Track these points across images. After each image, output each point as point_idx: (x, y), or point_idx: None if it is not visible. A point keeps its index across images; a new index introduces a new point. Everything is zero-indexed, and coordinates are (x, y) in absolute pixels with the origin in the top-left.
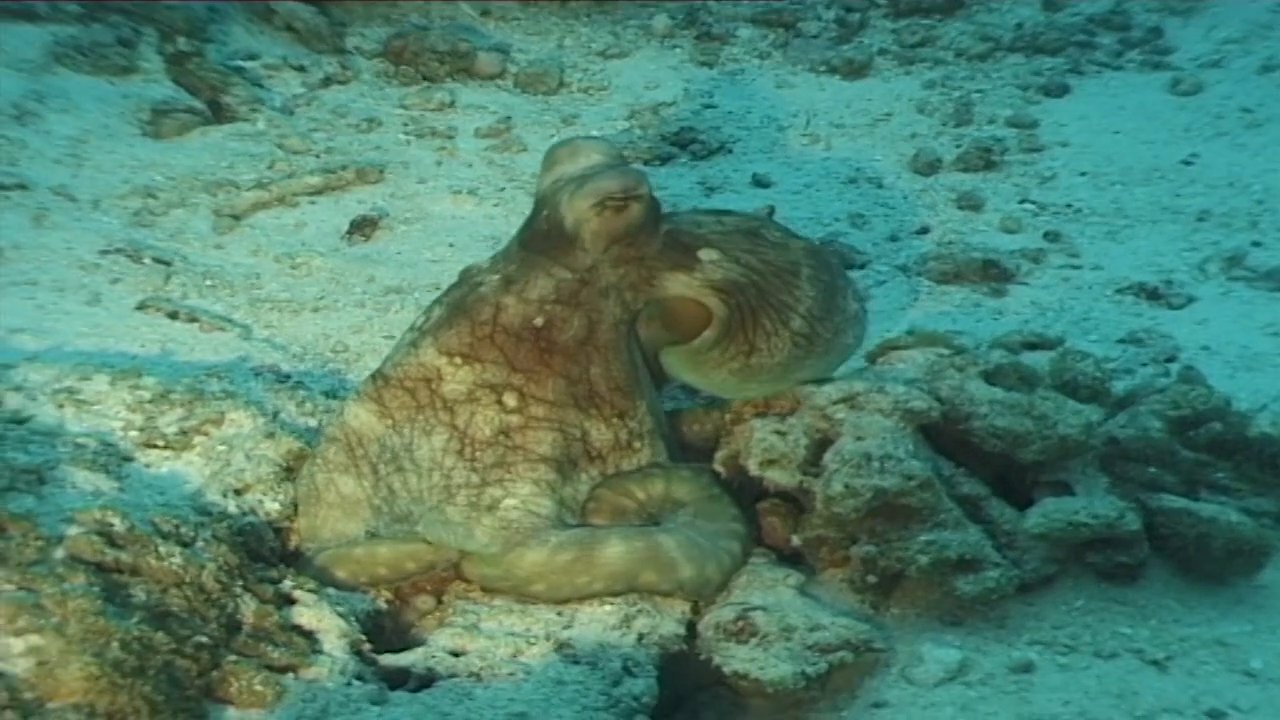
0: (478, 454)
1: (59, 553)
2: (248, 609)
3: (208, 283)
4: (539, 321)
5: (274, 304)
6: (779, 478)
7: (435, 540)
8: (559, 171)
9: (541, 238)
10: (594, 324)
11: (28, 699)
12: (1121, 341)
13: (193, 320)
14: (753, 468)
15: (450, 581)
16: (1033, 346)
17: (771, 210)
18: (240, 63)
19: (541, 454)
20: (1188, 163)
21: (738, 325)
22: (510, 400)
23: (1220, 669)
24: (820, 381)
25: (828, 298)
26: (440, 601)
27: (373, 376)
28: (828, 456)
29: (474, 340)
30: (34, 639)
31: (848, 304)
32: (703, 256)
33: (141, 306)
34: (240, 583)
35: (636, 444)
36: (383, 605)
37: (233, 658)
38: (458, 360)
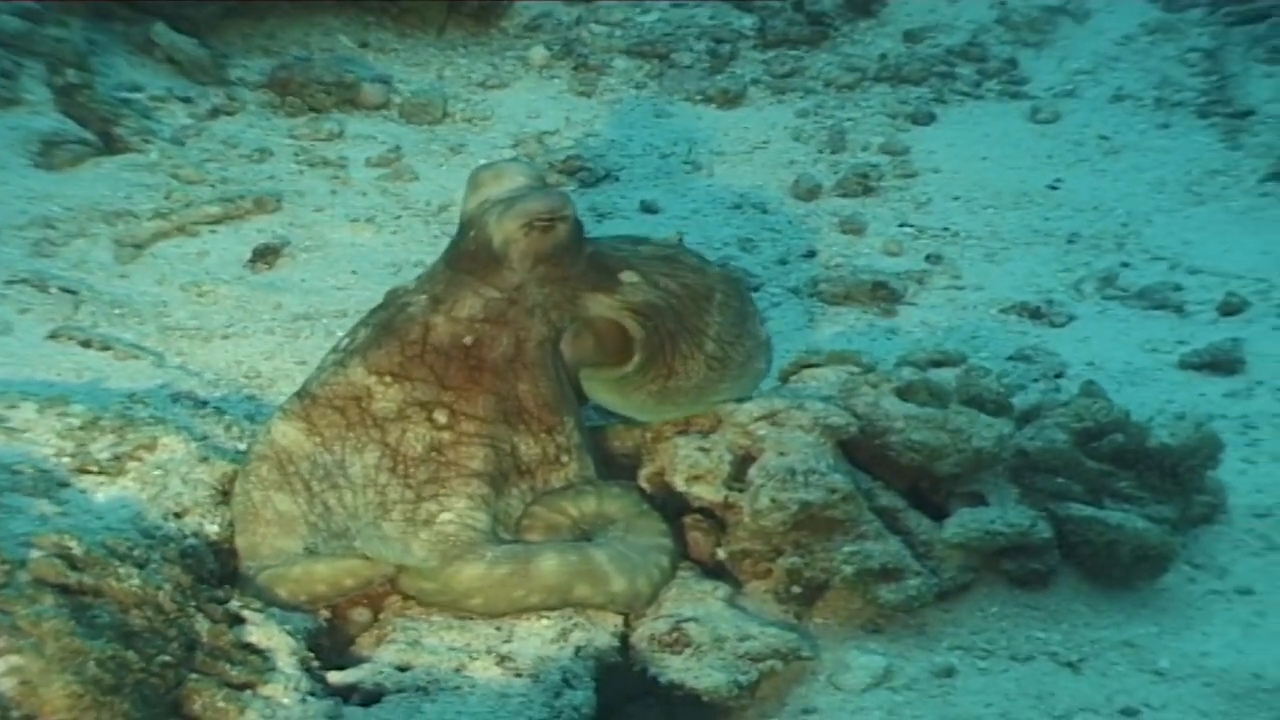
0: (411, 470)
1: (23, 576)
2: (202, 628)
3: (116, 311)
4: (468, 340)
5: (184, 332)
6: (705, 493)
7: (373, 555)
8: (485, 193)
9: (469, 258)
10: (521, 342)
11: (16, 717)
12: (1011, 359)
13: (106, 348)
14: (679, 484)
15: (387, 596)
16: (938, 364)
17: (681, 238)
18: (125, 94)
19: (474, 469)
20: (1054, 188)
21: (657, 349)
22: (441, 417)
23: (1131, 669)
24: (740, 399)
25: (739, 323)
26: (377, 616)
27: (299, 395)
28: (753, 472)
29: (404, 359)
30: (14, 659)
31: (758, 330)
32: (624, 279)
33: (54, 336)
34: (193, 603)
35: (564, 458)
36: (322, 623)
37: (194, 676)
38: (388, 379)
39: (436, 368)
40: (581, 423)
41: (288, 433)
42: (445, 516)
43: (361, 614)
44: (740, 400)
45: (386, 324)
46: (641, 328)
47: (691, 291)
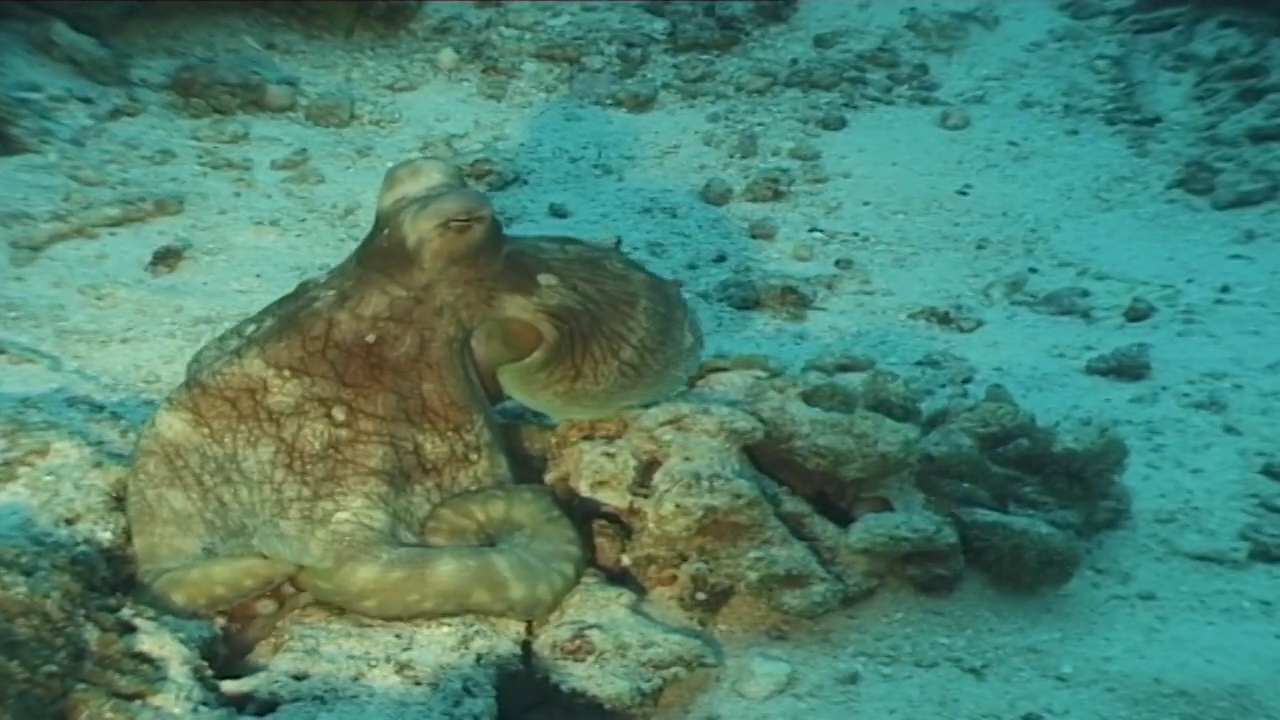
0: (308, 467)
1: None
2: (92, 637)
3: (11, 314)
4: (371, 338)
5: (81, 335)
6: (610, 499)
7: (271, 554)
8: (401, 191)
9: (381, 255)
10: (426, 341)
11: None
12: (919, 364)
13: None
14: (584, 489)
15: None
16: (845, 369)
17: (619, 241)
18: (23, 94)
19: (371, 467)
20: (963, 193)
21: (566, 350)
22: (339, 414)
23: (1034, 675)
24: (645, 404)
25: (662, 331)
26: (282, 604)
27: (187, 384)
28: (658, 477)
29: (305, 354)
30: None
31: (683, 337)
32: (541, 281)
33: None
34: (82, 611)
35: (473, 456)
36: (218, 631)
37: (82, 686)
38: (286, 373)
39: (338, 364)
40: (493, 421)
41: (173, 424)
42: (341, 516)
43: (267, 605)
44: (646, 405)
45: (291, 317)
46: (556, 330)
47: (610, 297)
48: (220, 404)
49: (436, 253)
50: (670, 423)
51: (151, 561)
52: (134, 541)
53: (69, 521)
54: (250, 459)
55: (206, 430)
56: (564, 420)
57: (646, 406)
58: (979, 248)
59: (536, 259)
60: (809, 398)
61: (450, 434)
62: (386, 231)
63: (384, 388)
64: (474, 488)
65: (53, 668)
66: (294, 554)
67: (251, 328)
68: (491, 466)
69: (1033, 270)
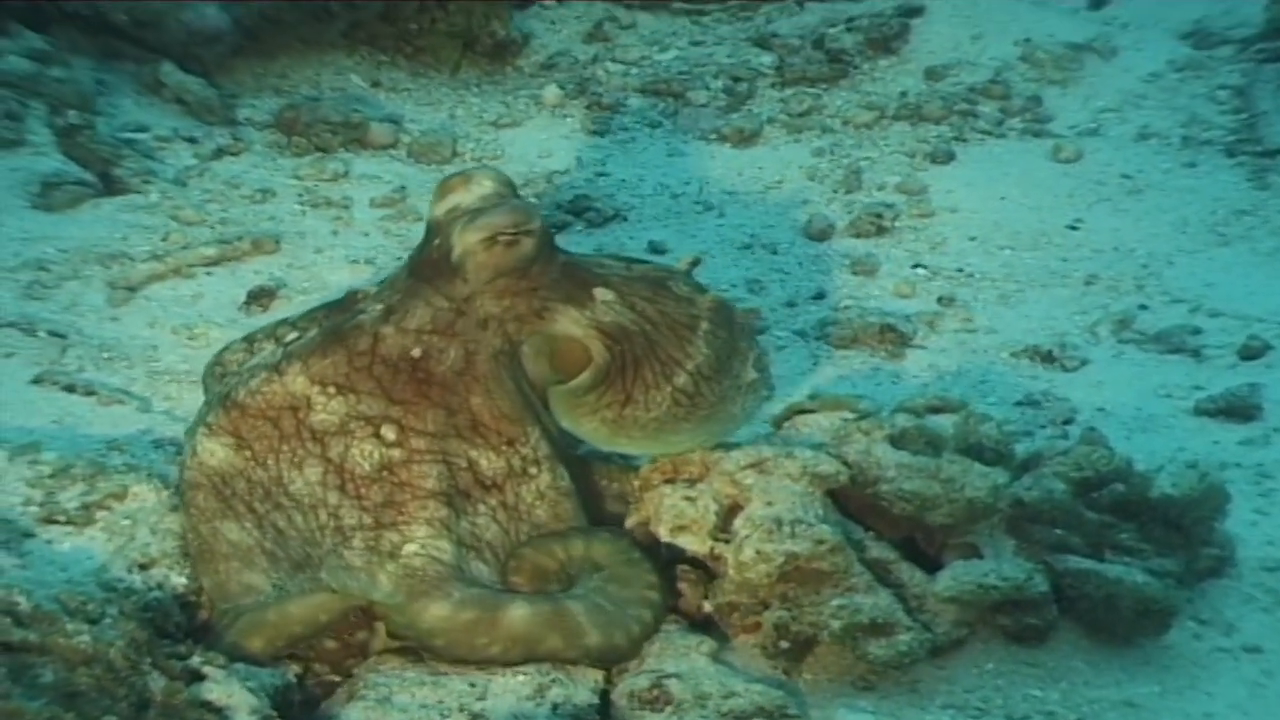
0: (363, 491)
1: None
2: (157, 686)
3: (104, 355)
4: (416, 352)
5: (173, 376)
6: (690, 544)
7: (340, 588)
8: (453, 201)
9: (429, 266)
10: (471, 354)
11: None
12: (1019, 404)
13: (90, 393)
14: (663, 534)
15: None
16: (936, 410)
17: (696, 261)
18: (130, 135)
19: (429, 489)
20: (1073, 228)
21: (617, 372)
22: (389, 434)
23: None
24: (728, 447)
25: (722, 359)
26: (373, 632)
27: (224, 405)
28: (738, 522)
29: (351, 371)
30: None
31: (744, 371)
32: (598, 295)
33: (37, 380)
34: (148, 660)
35: (532, 470)
36: (291, 679)
37: None
38: (331, 390)
39: (384, 381)
40: (550, 432)
41: (215, 451)
42: (410, 548)
43: (361, 635)
44: (727, 447)
45: (335, 331)
46: (606, 350)
47: (670, 320)
48: (261, 424)
49: (481, 265)
50: (752, 466)
51: (225, 600)
52: (202, 582)
53: (143, 567)
54: (297, 481)
55: (249, 453)
56: (610, 450)
57: (729, 448)
58: (1087, 284)
59: (594, 273)
60: (896, 440)
61: (505, 448)
62: (436, 242)
63: (432, 404)
64: (539, 503)
65: (112, 718)
66: (364, 588)
67: (293, 335)
68: (554, 479)
69: (1143, 307)
